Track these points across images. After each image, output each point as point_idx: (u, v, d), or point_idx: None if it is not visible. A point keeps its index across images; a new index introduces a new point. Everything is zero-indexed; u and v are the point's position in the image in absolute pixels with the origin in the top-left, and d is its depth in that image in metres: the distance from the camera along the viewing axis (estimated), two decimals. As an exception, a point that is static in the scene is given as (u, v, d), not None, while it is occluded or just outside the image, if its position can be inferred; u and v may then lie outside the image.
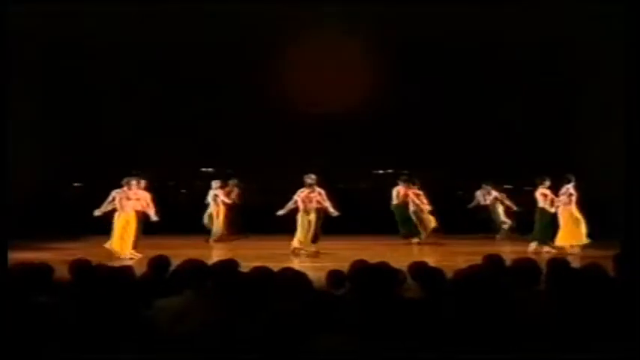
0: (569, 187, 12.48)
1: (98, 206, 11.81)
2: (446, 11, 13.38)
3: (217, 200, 14.24)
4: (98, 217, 11.83)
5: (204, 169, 16.83)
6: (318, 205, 12.40)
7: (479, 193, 15.52)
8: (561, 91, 15.83)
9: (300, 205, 12.33)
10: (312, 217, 12.32)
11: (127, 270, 4.96)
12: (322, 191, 12.51)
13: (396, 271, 4.86)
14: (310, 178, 12.42)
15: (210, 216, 14.32)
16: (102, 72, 15.91)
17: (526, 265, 4.68)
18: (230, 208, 14.47)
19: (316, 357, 3.36)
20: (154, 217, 12.08)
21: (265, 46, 14.72)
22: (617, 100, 11.79)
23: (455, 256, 10.81)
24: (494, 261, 5.34)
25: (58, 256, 9.63)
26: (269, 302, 4.10)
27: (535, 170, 13.48)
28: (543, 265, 4.74)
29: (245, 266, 4.84)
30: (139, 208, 11.97)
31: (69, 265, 5.39)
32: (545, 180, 12.52)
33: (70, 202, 16.18)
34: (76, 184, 17.31)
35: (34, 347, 3.72)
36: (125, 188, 11.77)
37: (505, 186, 16.55)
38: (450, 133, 16.25)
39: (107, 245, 11.49)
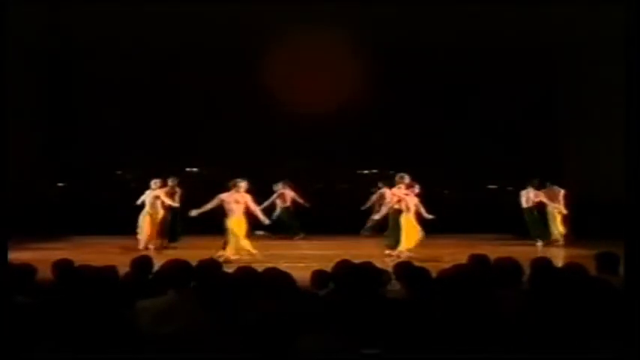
0: (557, 188, 13.15)
1: (83, 207, 11.54)
2: (437, 14, 13.39)
3: (156, 203, 12.72)
4: (193, 217, 11.16)
5: (188, 169, 16.76)
6: (416, 208, 11.28)
7: (374, 197, 15.11)
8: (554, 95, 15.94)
9: (403, 206, 11.18)
10: (411, 217, 11.21)
11: (110, 270, 4.94)
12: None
13: (380, 271, 4.88)
14: (405, 178, 11.34)
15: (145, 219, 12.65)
16: (88, 72, 15.86)
17: (508, 265, 4.70)
18: (172, 212, 13.04)
19: (299, 357, 3.36)
20: (265, 221, 11.19)
21: (253, 48, 14.66)
22: (612, 102, 11.84)
23: (440, 256, 10.84)
24: (479, 260, 5.36)
25: (41, 256, 9.53)
26: (253, 302, 4.09)
27: (524, 172, 13.74)
28: (526, 265, 4.78)
29: (228, 266, 4.83)
30: (244, 211, 11.08)
31: (52, 265, 5.36)
32: (534, 182, 13.07)
33: (53, 202, 16.08)
34: (59, 184, 17.21)
35: (17, 348, 3.69)
36: (233, 191, 11.00)
37: (490, 186, 16.65)
38: (439, 134, 16.31)
39: (222, 253, 10.43)
